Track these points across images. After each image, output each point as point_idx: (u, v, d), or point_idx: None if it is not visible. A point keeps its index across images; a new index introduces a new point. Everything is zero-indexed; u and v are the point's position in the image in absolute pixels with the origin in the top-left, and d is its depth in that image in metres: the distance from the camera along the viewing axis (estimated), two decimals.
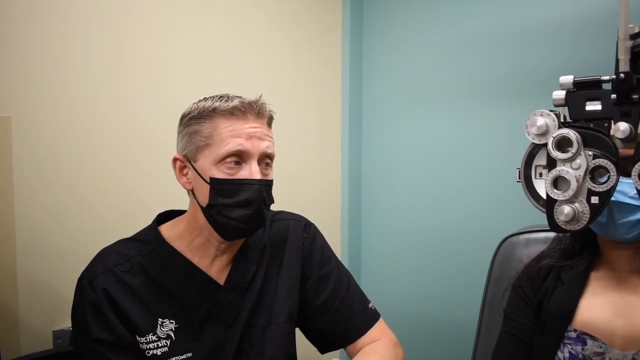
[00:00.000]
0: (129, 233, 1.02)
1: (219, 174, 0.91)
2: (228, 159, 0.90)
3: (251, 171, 0.91)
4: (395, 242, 2.13)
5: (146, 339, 0.92)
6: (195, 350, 0.94)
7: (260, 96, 0.97)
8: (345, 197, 2.19)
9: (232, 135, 0.90)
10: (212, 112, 0.93)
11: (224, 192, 0.90)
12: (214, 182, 0.91)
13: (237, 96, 0.95)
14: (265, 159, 0.95)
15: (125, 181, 1.50)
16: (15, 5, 1.30)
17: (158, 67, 1.57)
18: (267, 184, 0.94)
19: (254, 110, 0.93)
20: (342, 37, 2.17)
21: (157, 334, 0.93)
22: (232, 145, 0.90)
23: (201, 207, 0.94)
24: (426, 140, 2.03)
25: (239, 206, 0.90)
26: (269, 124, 0.98)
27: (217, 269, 0.99)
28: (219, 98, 0.94)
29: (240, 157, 0.91)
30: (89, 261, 0.97)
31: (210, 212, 0.92)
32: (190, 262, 0.97)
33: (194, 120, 0.94)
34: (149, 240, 0.98)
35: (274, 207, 1.14)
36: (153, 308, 0.93)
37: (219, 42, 1.74)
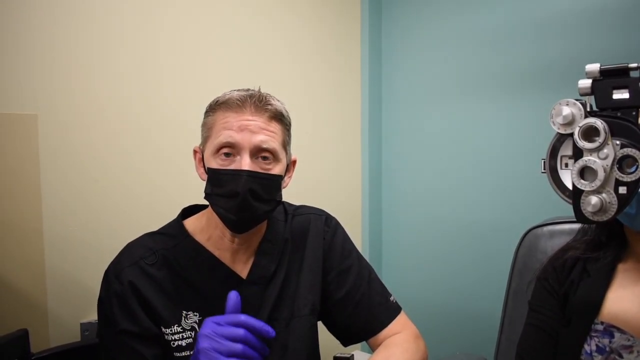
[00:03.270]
0: (154, 227, 1.03)
1: (215, 164, 0.92)
2: (220, 151, 0.91)
3: (241, 163, 0.90)
4: (417, 234, 2.12)
5: (171, 330, 0.93)
6: None
7: (259, 88, 0.97)
8: (366, 190, 2.18)
9: (225, 127, 0.91)
10: (215, 105, 0.95)
11: (215, 181, 0.91)
12: (209, 172, 0.93)
13: (244, 89, 0.96)
14: (262, 153, 0.92)
15: (150, 176, 1.53)
16: (40, 5, 1.32)
17: (181, 64, 1.60)
18: (258, 176, 0.90)
19: (250, 102, 0.92)
20: (361, 29, 2.16)
21: (182, 325, 0.94)
22: (223, 137, 0.90)
23: None
24: (446, 133, 2.01)
25: (226, 196, 0.90)
26: (275, 119, 0.94)
27: (239, 263, 1.00)
28: (230, 91, 0.96)
29: (231, 149, 0.91)
30: (115, 255, 0.98)
31: (209, 201, 0.94)
32: (213, 255, 0.98)
33: (206, 113, 0.97)
34: (174, 234, 1.00)
35: (295, 202, 1.15)
36: (177, 301, 0.95)
37: (235, 40, 1.75)
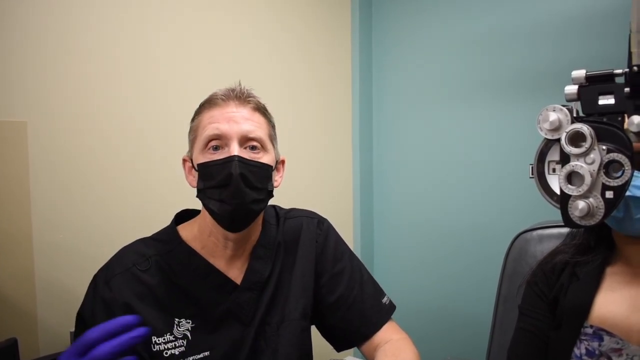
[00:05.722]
0: (146, 233, 1.03)
1: (203, 160, 0.92)
2: (209, 145, 0.92)
3: (229, 152, 0.90)
4: (408, 238, 2.13)
5: (163, 339, 0.92)
6: (212, 349, 0.95)
7: (240, 82, 0.99)
8: (357, 194, 2.19)
9: (211, 122, 0.93)
10: (200, 108, 0.98)
11: (206, 175, 0.91)
12: (199, 167, 0.93)
13: (227, 88, 0.98)
14: (250, 142, 0.93)
15: (143, 182, 1.52)
16: (30, 11, 1.31)
17: (173, 70, 1.59)
18: (248, 163, 0.91)
19: (233, 96, 0.95)
20: (352, 34, 2.17)
21: (173, 334, 0.93)
22: (210, 130, 0.92)
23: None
24: (437, 137, 2.02)
25: (220, 186, 0.90)
26: (259, 111, 0.97)
27: (233, 269, 1.00)
28: (213, 92, 0.98)
29: (219, 141, 0.92)
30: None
31: (202, 199, 0.94)
32: (207, 262, 0.98)
33: (191, 121, 0.99)
34: (167, 240, 0.99)
35: (286, 206, 1.15)
36: (170, 308, 0.94)
37: (229, 46, 1.75)
